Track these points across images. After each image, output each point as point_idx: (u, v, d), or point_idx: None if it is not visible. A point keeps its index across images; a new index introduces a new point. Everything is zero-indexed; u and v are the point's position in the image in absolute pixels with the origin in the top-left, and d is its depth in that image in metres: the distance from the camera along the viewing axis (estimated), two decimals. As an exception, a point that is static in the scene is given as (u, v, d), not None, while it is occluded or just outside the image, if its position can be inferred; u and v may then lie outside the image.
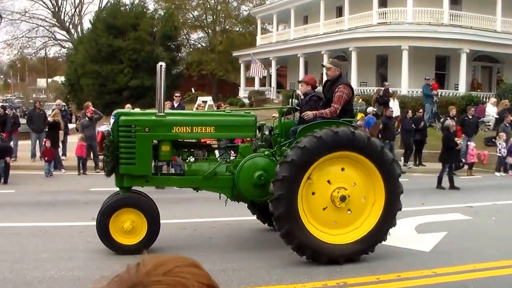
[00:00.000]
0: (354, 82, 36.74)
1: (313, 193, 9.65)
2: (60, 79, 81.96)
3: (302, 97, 11.05)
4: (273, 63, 47.68)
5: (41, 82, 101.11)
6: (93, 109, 21.48)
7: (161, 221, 10.16)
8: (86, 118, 21.17)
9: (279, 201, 9.25)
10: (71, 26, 68.80)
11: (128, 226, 9.82)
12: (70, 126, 27.64)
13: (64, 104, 27.41)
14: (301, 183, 9.39)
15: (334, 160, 9.68)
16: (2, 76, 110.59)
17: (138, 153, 9.83)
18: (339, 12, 43.73)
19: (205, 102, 32.36)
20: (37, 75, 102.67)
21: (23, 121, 25.94)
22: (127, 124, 9.93)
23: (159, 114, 10.00)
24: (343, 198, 9.53)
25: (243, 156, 10.15)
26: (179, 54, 54.55)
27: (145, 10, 52.59)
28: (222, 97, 47.00)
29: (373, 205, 9.85)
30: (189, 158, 10.57)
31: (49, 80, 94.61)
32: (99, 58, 48.61)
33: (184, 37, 59.88)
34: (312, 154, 9.33)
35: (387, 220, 9.79)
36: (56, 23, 68.93)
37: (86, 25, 65.79)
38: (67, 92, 57.41)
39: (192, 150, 10.76)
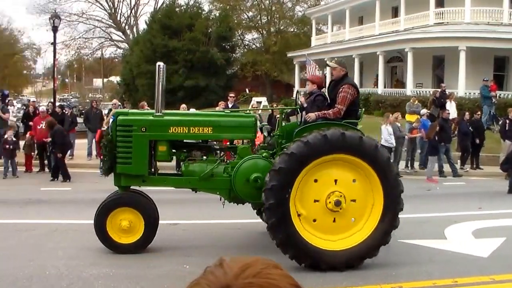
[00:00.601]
0: (409, 84, 36.27)
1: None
2: (115, 79, 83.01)
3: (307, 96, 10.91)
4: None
5: (97, 82, 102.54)
6: (148, 108, 21.61)
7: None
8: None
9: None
10: (127, 27, 69.69)
11: (125, 225, 9.87)
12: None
13: (119, 103, 27.65)
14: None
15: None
16: (59, 76, 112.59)
17: (134, 152, 9.84)
18: (395, 12, 43.19)
19: (259, 102, 32.32)
20: (93, 75, 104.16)
21: (80, 120, 26.32)
22: (124, 124, 9.96)
23: (157, 114, 10.02)
24: (337, 203, 9.21)
25: (241, 157, 10.00)
26: (234, 54, 54.68)
27: (200, 11, 52.89)
28: (276, 98, 46.90)
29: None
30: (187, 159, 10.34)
31: (105, 80, 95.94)
32: (154, 58, 48.94)
33: (239, 38, 59.97)
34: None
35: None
36: (112, 24, 69.85)
37: (142, 26, 66.65)
38: (122, 92, 58.09)
39: (191, 150, 10.47)
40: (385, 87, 40.15)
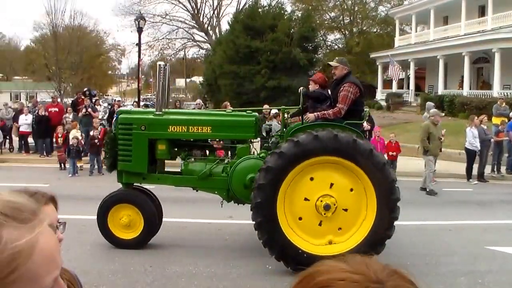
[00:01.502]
0: (496, 85, 35.28)
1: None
2: (198, 79, 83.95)
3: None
4: (412, 65, 46.70)
5: (180, 82, 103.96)
6: (231, 108, 21.76)
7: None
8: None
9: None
10: (209, 28, 70.30)
11: (125, 221, 10.09)
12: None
13: (202, 103, 27.95)
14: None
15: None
16: (143, 76, 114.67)
17: (134, 150, 10.07)
18: (482, 11, 42.09)
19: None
20: (176, 75, 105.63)
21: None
22: (125, 122, 10.23)
23: (157, 113, 10.20)
24: (326, 207, 9.02)
25: (239, 157, 9.97)
26: (316, 55, 54.41)
27: (282, 11, 52.82)
28: (358, 99, 46.48)
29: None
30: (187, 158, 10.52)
31: (188, 80, 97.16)
32: (236, 59, 49.32)
33: (321, 38, 59.74)
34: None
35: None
36: (195, 25, 70.63)
37: (224, 26, 67.05)
38: (205, 92, 58.68)
39: (191, 149, 10.62)
40: (470, 89, 39.20)
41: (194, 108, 23.07)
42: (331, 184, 9.13)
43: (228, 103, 22.69)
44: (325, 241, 9.17)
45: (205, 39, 70.64)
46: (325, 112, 9.63)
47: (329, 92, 10.31)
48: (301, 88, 10.83)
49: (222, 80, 50.39)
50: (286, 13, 53.49)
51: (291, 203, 9.15)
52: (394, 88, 48.41)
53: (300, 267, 8.49)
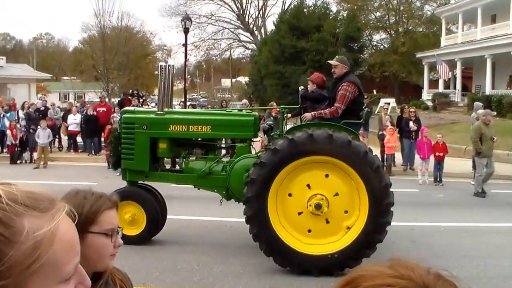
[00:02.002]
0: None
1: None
2: (243, 79, 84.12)
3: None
4: (458, 64, 46.11)
5: (225, 82, 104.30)
6: (278, 108, 21.76)
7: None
8: (271, 118, 21.51)
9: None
10: (254, 28, 70.36)
11: (129, 218, 10.21)
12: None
13: (248, 103, 28.02)
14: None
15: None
16: (189, 76, 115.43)
17: (136, 149, 10.30)
18: (531, 10, 41.38)
19: (388, 104, 31.86)
20: (222, 75, 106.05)
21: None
22: (127, 121, 10.52)
23: (159, 112, 10.41)
24: (318, 206, 8.99)
25: (238, 156, 10.05)
26: (362, 55, 54.09)
27: (328, 11, 52.65)
28: (404, 99, 46.14)
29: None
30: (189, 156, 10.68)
31: (233, 80, 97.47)
32: (282, 59, 49.31)
33: (367, 38, 59.36)
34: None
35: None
36: (241, 25, 70.76)
37: (270, 26, 67.07)
38: (250, 92, 58.81)
39: (192, 148, 10.73)
40: (519, 89, 38.55)
41: (241, 107, 23.05)
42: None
43: (275, 103, 22.69)
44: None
45: (251, 39, 70.74)
46: (322, 111, 9.67)
47: (328, 92, 10.40)
48: (301, 88, 11.12)
49: (267, 80, 50.44)
50: (331, 13, 53.28)
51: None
52: (441, 88, 47.89)
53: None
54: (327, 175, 9.13)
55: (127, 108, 13.14)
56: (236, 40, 73.23)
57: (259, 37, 67.83)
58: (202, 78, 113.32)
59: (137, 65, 65.47)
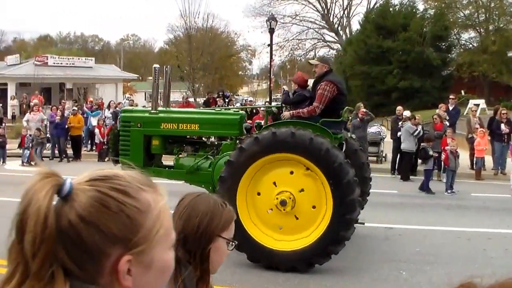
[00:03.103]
0: None
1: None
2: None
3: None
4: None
5: (309, 82, 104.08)
6: (364, 110, 21.45)
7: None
8: (358, 119, 21.23)
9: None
10: (339, 28, 69.93)
11: None
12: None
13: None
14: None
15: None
16: (273, 77, 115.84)
17: (132, 145, 10.88)
18: None
19: (477, 105, 30.93)
20: (306, 75, 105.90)
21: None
22: (125, 120, 11.16)
23: (152, 111, 10.98)
24: (283, 203, 9.06)
25: (223, 153, 10.35)
26: (450, 55, 52.93)
27: (414, 10, 51.86)
28: (494, 100, 44.76)
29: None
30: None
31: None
32: (368, 59, 48.89)
33: (455, 37, 57.97)
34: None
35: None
36: (325, 25, 70.45)
37: (355, 26, 66.52)
38: (335, 93, 58.39)
39: (183, 145, 11.18)
40: None
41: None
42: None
43: (362, 105, 22.34)
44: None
45: (335, 39, 70.33)
46: (300, 110, 9.74)
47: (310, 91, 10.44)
48: (284, 87, 11.15)
49: (352, 81, 50.11)
50: (418, 11, 52.43)
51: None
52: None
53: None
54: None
55: (126, 108, 14.17)
56: (321, 40, 72.95)
57: (344, 37, 67.39)
58: (286, 78, 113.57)
59: (221, 65, 66.05)
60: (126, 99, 36.47)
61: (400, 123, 20.45)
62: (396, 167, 20.42)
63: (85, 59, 55.72)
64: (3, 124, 28.53)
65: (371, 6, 62.75)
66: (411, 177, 19.11)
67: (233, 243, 2.57)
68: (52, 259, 1.28)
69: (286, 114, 9.95)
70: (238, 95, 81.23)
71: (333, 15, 69.89)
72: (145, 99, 66.64)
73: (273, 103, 29.04)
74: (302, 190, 9.20)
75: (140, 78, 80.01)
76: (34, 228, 1.25)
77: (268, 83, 35.74)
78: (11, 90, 44.05)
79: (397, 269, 9.28)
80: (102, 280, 1.34)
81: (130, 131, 10.94)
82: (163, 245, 1.41)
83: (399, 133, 19.81)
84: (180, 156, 11.06)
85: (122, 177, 1.39)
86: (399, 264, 9.52)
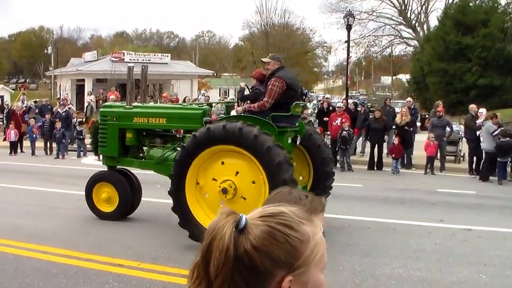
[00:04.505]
0: None
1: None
2: (404, 77, 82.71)
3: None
4: None
5: (385, 79, 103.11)
6: (440, 109, 21.11)
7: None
8: (436, 117, 20.93)
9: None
10: (417, 24, 68.90)
11: (105, 197, 11.99)
12: (417, 124, 27.43)
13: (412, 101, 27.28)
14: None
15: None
16: (349, 74, 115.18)
17: (108, 138, 11.93)
18: None
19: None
20: (381, 72, 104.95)
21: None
22: (103, 114, 12.27)
23: (127, 107, 12.05)
24: (224, 191, 9.77)
25: None
26: (532, 51, 51.40)
27: (496, 5, 50.59)
28: None
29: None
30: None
31: (394, 77, 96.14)
32: (446, 56, 48.03)
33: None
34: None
35: None
36: (402, 22, 69.52)
37: (433, 22, 65.42)
38: (412, 90, 57.65)
39: (154, 137, 12.04)
40: None
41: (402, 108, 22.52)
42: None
43: (441, 103, 21.98)
44: None
45: (413, 35, 69.34)
46: (252, 105, 10.52)
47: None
48: (241, 84, 12.59)
49: (430, 78, 49.35)
50: (499, 6, 51.12)
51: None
52: None
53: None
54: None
55: (106, 103, 15.30)
56: (398, 37, 72.11)
57: (421, 33, 66.38)
58: (361, 75, 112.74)
59: (297, 62, 66.00)
60: (202, 95, 36.80)
61: (478, 121, 19.95)
62: (474, 167, 19.95)
63: (161, 55, 56.59)
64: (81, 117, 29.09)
65: (450, 2, 61.54)
66: (490, 177, 18.65)
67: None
68: (229, 279, 1.60)
69: (238, 109, 10.88)
70: (313, 91, 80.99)
71: (411, 11, 69.03)
72: (220, 95, 67.22)
73: (350, 101, 28.83)
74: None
75: (215, 74, 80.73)
76: (218, 255, 1.59)
77: (345, 79, 35.44)
78: (88, 86, 45.08)
79: (476, 273, 8.99)
80: None
81: (107, 125, 11.99)
82: (318, 268, 1.68)
83: (478, 132, 19.34)
84: (152, 148, 11.95)
85: (286, 213, 1.66)
86: (479, 267, 9.22)
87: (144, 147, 12.29)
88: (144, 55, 54.26)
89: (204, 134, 9.84)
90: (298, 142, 11.03)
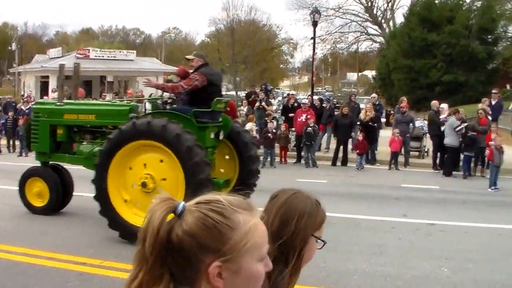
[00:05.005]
0: None
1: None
2: (370, 73, 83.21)
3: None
4: None
5: (351, 76, 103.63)
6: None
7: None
8: (400, 113, 21.06)
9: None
10: (383, 21, 69.33)
11: (37, 191, 12.14)
12: (382, 120, 27.57)
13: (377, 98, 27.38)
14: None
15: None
16: (315, 70, 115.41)
17: (40, 134, 12.12)
18: None
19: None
20: (348, 69, 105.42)
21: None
22: (35, 111, 12.52)
23: (57, 103, 12.28)
24: (143, 185, 10.02)
25: None
26: (496, 48, 51.97)
27: (461, 2, 51.08)
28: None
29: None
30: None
31: (359, 74, 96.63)
32: (411, 52, 48.42)
33: (502, 30, 56.84)
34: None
35: None
36: (369, 18, 69.86)
37: (399, 19, 65.89)
38: (377, 87, 58.00)
39: (84, 133, 12.28)
40: None
41: (367, 104, 22.60)
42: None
43: (405, 99, 22.14)
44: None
45: (379, 32, 69.75)
46: (166, 84, 11.18)
47: None
48: (171, 76, 12.71)
49: (395, 75, 49.74)
50: (464, 4, 51.64)
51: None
52: None
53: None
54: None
55: (39, 100, 15.56)
56: (364, 34, 72.42)
57: (387, 30, 66.79)
58: (327, 72, 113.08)
59: (263, 59, 66.00)
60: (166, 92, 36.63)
61: (442, 116, 20.12)
62: (438, 163, 20.11)
63: (126, 52, 56.55)
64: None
65: (416, -1, 61.99)
66: (453, 172, 18.82)
67: (323, 242, 2.60)
68: (162, 263, 1.69)
69: (152, 82, 11.54)
70: (279, 88, 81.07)
71: (377, 7, 69.38)
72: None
73: (315, 97, 28.88)
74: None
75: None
76: (150, 238, 1.68)
77: (310, 76, 35.51)
78: (52, 83, 44.56)
79: (439, 266, 9.06)
80: (198, 284, 1.70)
81: (39, 121, 12.16)
82: (251, 257, 1.70)
83: (442, 128, 19.49)
84: (81, 143, 12.18)
85: (221, 201, 1.73)
86: (441, 261, 9.30)
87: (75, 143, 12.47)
88: (110, 52, 54.00)
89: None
90: (221, 137, 11.25)
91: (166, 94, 12.10)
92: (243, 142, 11.87)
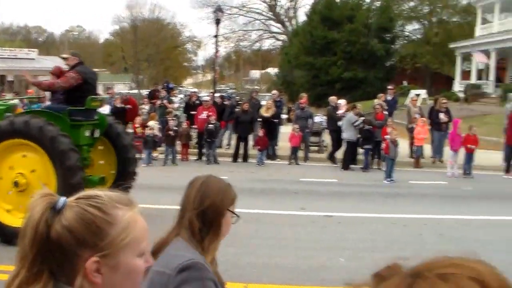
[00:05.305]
0: None
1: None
2: (272, 71, 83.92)
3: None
4: (493, 55, 44.94)
5: (254, 73, 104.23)
6: (303, 102, 21.62)
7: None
8: (300, 109, 21.40)
9: None
10: (286, 19, 70.18)
11: None
12: (283, 116, 27.90)
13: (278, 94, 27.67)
14: None
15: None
16: (218, 68, 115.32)
17: None
18: None
19: (417, 95, 31.42)
20: (251, 66, 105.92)
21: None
22: None
23: None
24: (15, 184, 9.90)
25: None
26: (393, 46, 53.51)
27: (361, 1, 52.29)
28: (435, 91, 45.38)
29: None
30: None
31: (262, 71, 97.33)
32: (313, 50, 49.15)
33: (399, 29, 58.62)
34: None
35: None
36: (272, 17, 70.59)
37: (301, 17, 66.71)
38: (279, 84, 58.58)
39: None
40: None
41: (268, 101, 22.83)
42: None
43: (305, 95, 22.50)
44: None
45: (282, 30, 70.55)
46: (42, 81, 11.09)
47: None
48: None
49: (297, 72, 50.33)
50: (364, 3, 52.89)
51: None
52: (474, 79, 46.95)
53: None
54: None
55: None
56: (267, 31, 73.11)
57: (290, 28, 67.57)
58: (230, 69, 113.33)
59: (166, 57, 65.62)
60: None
61: (339, 112, 20.60)
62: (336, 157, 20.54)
63: (28, 50, 55.09)
64: None
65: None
66: (351, 166, 19.31)
67: (237, 216, 3.02)
68: (42, 259, 1.65)
69: (28, 77, 11.34)
70: (183, 86, 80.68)
71: (280, 6, 70.11)
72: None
73: (217, 94, 28.95)
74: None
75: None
76: (29, 234, 1.66)
77: (213, 74, 35.55)
78: None
79: (336, 256, 9.32)
80: (77, 279, 1.67)
81: None
82: (130, 252, 1.71)
83: (339, 123, 19.93)
84: None
85: (100, 196, 1.73)
86: (338, 251, 9.56)
87: None
88: (10, 50, 52.50)
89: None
90: (96, 135, 11.14)
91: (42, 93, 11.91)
92: (115, 133, 11.76)
